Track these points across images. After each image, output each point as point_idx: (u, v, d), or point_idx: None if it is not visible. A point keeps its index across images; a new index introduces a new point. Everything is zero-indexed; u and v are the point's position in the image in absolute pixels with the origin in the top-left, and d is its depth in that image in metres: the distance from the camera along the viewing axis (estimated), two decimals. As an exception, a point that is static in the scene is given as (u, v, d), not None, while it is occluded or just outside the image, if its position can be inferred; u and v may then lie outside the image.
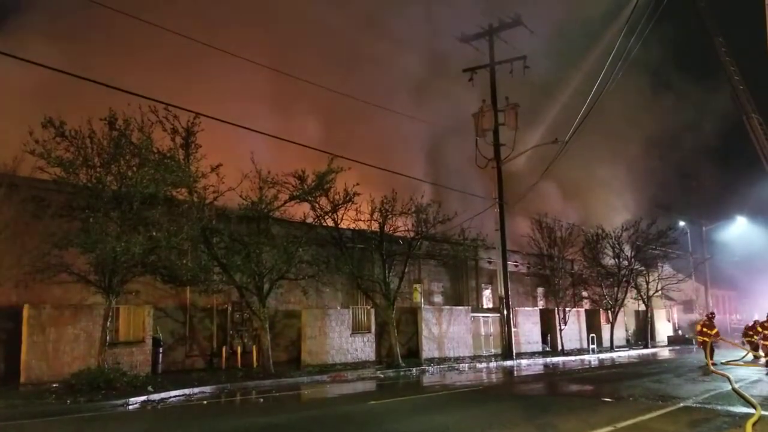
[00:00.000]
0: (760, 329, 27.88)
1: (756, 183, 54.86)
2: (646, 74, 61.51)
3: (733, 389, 15.67)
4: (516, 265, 38.66)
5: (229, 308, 24.09)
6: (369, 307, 26.79)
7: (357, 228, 25.83)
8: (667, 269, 46.31)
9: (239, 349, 23.46)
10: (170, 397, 15.81)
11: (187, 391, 16.59)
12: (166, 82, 27.89)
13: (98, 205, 16.81)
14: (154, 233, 17.10)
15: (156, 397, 15.58)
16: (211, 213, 20.21)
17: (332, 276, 25.82)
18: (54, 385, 16.42)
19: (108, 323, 17.37)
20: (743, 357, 26.96)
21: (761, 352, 27.02)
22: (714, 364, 23.51)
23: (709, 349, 24.83)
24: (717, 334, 25.91)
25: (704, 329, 25.61)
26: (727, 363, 24.88)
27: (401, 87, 41.92)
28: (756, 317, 32.15)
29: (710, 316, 27.43)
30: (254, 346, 23.53)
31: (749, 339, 28.44)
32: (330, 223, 24.33)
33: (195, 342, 23.27)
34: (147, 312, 20.45)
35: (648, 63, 59.00)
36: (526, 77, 31.69)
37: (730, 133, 79.49)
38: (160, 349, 21.03)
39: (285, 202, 22.24)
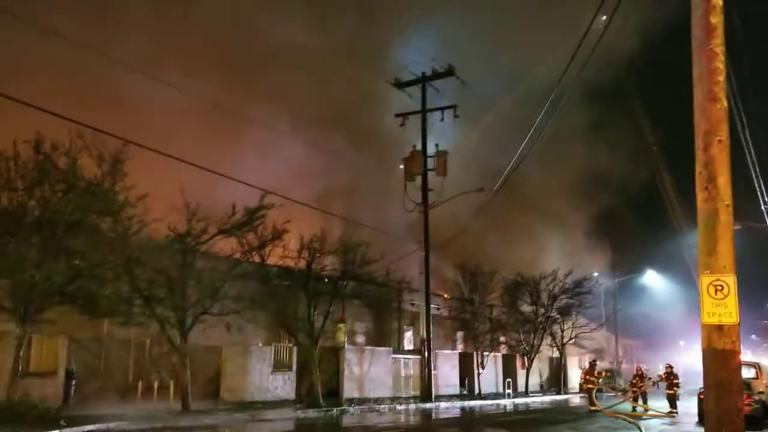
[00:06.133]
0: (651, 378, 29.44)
1: (666, 237, 58.13)
2: (574, 129, 64.05)
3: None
4: (438, 309, 39.19)
5: (148, 342, 23.43)
6: (291, 345, 26.56)
7: (284, 265, 25.74)
8: (581, 318, 47.93)
9: (156, 384, 22.80)
10: (83, 433, 15.24)
11: (102, 426, 16.01)
12: (97, 108, 27.33)
13: (18, 230, 16.25)
14: (76, 262, 16.61)
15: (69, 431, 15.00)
16: (136, 243, 19.78)
17: (256, 313, 25.53)
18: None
19: (20, 353, 16.65)
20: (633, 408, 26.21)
21: (640, 402, 26.35)
22: (598, 410, 23.42)
23: (595, 395, 25.66)
24: (597, 381, 27.74)
25: (588, 377, 27.55)
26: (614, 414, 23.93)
27: (336, 127, 42.50)
28: (643, 366, 33.42)
29: (592, 364, 29.39)
30: (172, 381, 22.90)
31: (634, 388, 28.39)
32: (257, 259, 24.17)
33: (110, 375, 22.44)
34: (61, 343, 19.72)
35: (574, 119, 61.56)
36: (459, 124, 32.72)
37: (647, 190, 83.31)
38: (73, 382, 20.23)
39: (213, 236, 21.95)
